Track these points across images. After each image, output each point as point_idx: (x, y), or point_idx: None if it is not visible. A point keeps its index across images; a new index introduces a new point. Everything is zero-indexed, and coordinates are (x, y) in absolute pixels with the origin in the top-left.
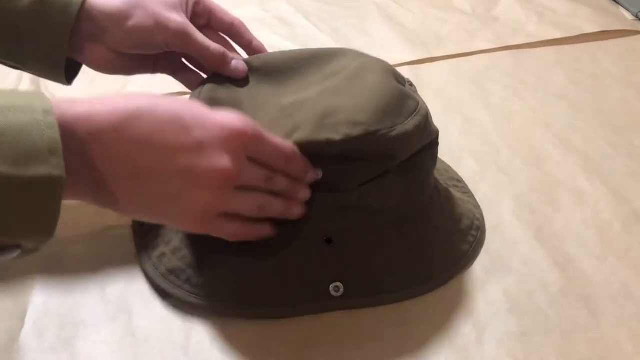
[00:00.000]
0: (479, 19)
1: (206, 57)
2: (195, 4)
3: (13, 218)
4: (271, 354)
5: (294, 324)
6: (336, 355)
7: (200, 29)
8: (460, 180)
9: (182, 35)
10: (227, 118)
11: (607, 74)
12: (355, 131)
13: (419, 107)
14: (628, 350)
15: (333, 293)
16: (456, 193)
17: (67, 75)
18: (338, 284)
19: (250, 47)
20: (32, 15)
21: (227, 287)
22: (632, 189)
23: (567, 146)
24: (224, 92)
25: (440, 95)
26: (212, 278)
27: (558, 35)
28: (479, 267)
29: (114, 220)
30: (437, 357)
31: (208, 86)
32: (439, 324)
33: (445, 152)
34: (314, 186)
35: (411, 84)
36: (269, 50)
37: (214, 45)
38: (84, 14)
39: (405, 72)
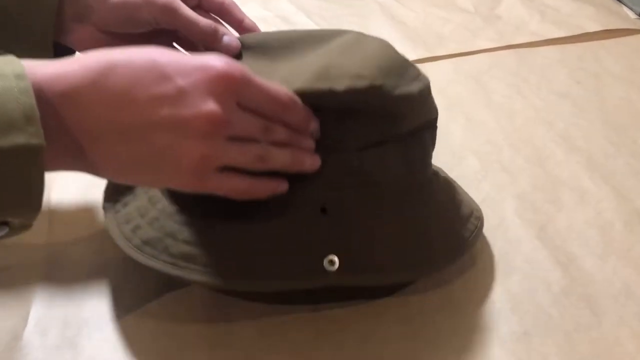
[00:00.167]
0: (482, 17)
1: (196, 33)
2: None
3: None
4: (270, 354)
5: (292, 324)
6: (337, 354)
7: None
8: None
9: (169, 9)
10: (209, 60)
11: (610, 73)
12: (360, 83)
13: (422, 75)
14: (630, 349)
15: (327, 267)
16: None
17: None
18: (333, 257)
19: (242, 25)
20: (15, 0)
21: (209, 256)
22: (634, 188)
23: (569, 145)
24: None
25: (442, 94)
26: (193, 247)
27: (561, 34)
28: (481, 266)
29: None
30: (438, 356)
31: None
32: (440, 324)
33: (448, 151)
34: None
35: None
36: None
37: (204, 21)
38: None
39: None
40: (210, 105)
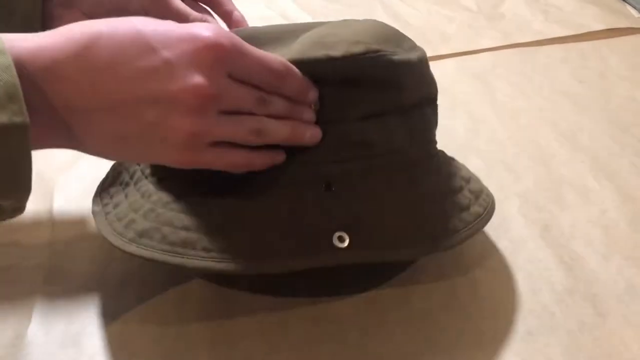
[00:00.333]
0: (485, 16)
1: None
2: None
3: None
4: (274, 350)
5: (293, 322)
6: (339, 352)
7: None
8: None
9: (160, 0)
10: (197, 30)
11: (613, 72)
12: (357, 49)
13: (418, 46)
14: (634, 349)
15: (337, 244)
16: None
17: None
18: (342, 233)
19: (231, 17)
20: None
21: (210, 241)
22: (638, 187)
23: (573, 144)
24: None
25: (446, 93)
26: (193, 232)
27: (564, 33)
28: (485, 266)
29: None
30: (442, 356)
31: None
32: (443, 323)
33: (451, 150)
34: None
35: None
36: None
37: (194, 13)
38: None
39: None
40: (197, 79)
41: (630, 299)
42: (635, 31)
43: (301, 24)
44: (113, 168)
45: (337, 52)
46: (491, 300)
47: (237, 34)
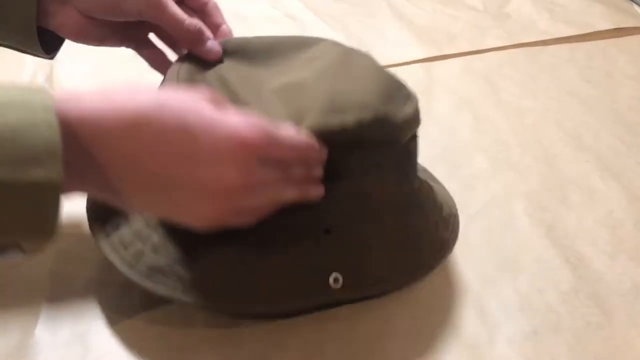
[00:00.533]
0: (491, 16)
1: (181, 31)
2: None
3: (11, 221)
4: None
5: (300, 322)
6: (345, 352)
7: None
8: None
9: (156, 4)
10: (236, 125)
11: (620, 71)
12: (367, 115)
13: (411, 92)
14: (639, 348)
15: (332, 285)
16: (432, 183)
17: (49, 47)
18: (337, 274)
19: (218, 30)
20: None
21: (221, 282)
22: None
23: (579, 144)
24: (203, 74)
25: (451, 92)
26: (204, 273)
27: (570, 32)
28: (490, 265)
29: None
30: (447, 356)
31: (185, 67)
32: (449, 323)
33: (456, 150)
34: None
35: None
36: None
37: (189, 20)
38: None
39: (416, 69)
40: (232, 173)
41: (635, 299)
42: None
43: (290, 38)
44: None
45: (349, 120)
46: (496, 299)
47: (227, 44)
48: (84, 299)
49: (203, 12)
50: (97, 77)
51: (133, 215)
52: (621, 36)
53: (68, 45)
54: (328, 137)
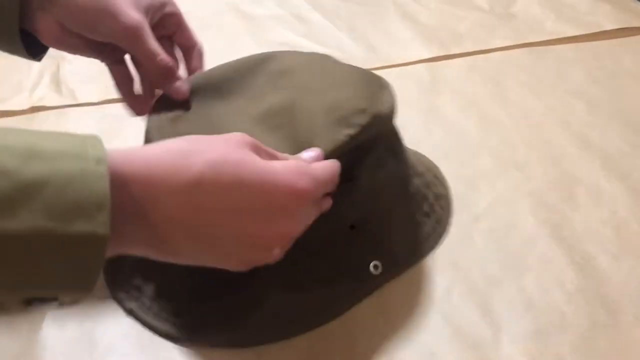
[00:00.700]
0: (497, 16)
1: (152, 65)
2: (168, 16)
3: (52, 273)
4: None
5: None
6: (349, 350)
7: (159, 38)
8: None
9: (133, 32)
10: (286, 176)
11: (627, 71)
12: (366, 119)
13: (381, 78)
14: None
15: (374, 272)
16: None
17: (35, 50)
18: (375, 262)
19: (192, 52)
20: None
21: (262, 309)
22: None
23: (585, 144)
24: (184, 112)
25: (457, 92)
26: (243, 309)
27: (577, 32)
28: (495, 265)
29: None
30: (453, 356)
31: (166, 106)
32: (454, 322)
33: (462, 150)
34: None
35: None
36: (286, 47)
37: (164, 55)
38: None
39: (422, 69)
40: (286, 227)
41: None
42: None
43: (243, 59)
44: None
45: (353, 130)
46: (501, 299)
47: (198, 79)
48: (91, 296)
49: (187, 53)
50: (103, 77)
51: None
52: (628, 36)
53: None
54: (339, 151)
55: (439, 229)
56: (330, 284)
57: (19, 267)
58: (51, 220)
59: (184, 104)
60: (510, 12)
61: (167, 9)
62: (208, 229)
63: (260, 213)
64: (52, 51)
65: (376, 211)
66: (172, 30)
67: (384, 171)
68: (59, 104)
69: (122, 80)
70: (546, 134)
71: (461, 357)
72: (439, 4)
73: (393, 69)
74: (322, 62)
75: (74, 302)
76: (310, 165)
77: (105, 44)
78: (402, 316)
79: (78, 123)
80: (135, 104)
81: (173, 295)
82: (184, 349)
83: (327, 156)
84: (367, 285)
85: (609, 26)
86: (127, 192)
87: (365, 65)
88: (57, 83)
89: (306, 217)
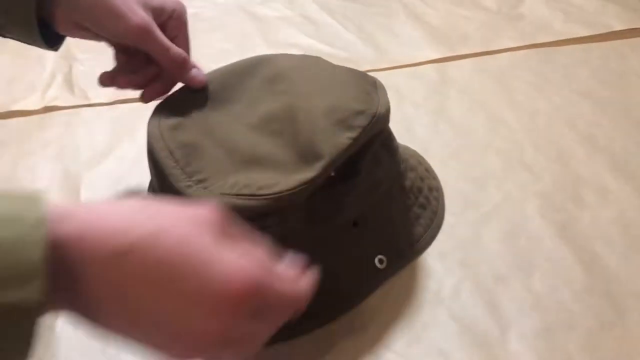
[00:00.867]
0: (504, 16)
1: (167, 59)
2: (173, 20)
3: None
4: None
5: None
6: (356, 348)
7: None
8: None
9: (143, 32)
10: (231, 273)
11: (634, 72)
12: (365, 121)
13: (373, 77)
14: None
15: (379, 266)
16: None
17: (52, 40)
18: (380, 256)
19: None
20: None
21: None
22: None
23: (592, 145)
24: (183, 120)
25: (465, 93)
26: None
27: (585, 33)
28: (503, 264)
29: None
30: (461, 353)
31: (165, 114)
32: (462, 320)
33: (470, 150)
34: (338, 179)
35: None
36: (294, 48)
37: (175, 49)
38: None
39: (429, 70)
40: (212, 326)
41: None
42: None
43: (233, 64)
44: None
45: (354, 133)
46: (509, 297)
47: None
48: None
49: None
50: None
51: None
52: (636, 37)
53: (86, 46)
54: (343, 155)
55: (435, 220)
56: (337, 280)
57: None
58: None
59: (183, 111)
60: (517, 12)
61: (175, 15)
62: (133, 302)
63: (186, 301)
64: (64, 52)
65: (376, 207)
66: (173, 35)
67: (380, 167)
68: (72, 104)
69: (124, 69)
70: (554, 134)
71: (469, 355)
72: (447, 4)
73: (401, 69)
74: (315, 64)
75: None
76: (272, 273)
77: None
78: (410, 314)
79: (90, 123)
80: (135, 89)
81: None
82: None
83: (332, 160)
84: (374, 280)
85: (617, 27)
86: (62, 255)
87: (373, 66)
88: (69, 83)
89: (237, 327)
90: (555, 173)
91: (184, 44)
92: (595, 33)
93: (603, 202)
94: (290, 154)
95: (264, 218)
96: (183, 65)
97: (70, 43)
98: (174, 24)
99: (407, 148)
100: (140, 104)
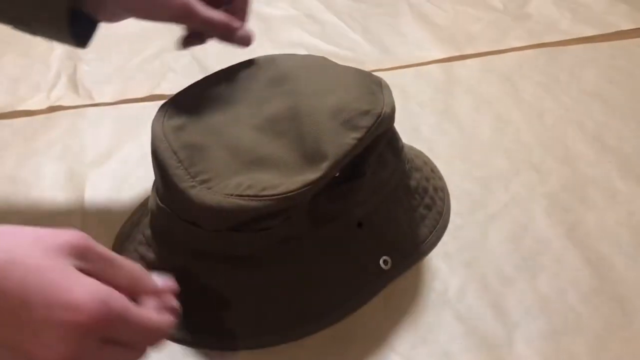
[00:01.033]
0: (511, 16)
1: (212, 31)
2: None
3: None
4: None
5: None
6: (362, 349)
7: None
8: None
9: (182, 12)
10: (81, 301)
11: None
12: (371, 121)
13: (377, 77)
14: None
15: (384, 267)
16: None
17: (81, 38)
18: (385, 257)
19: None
20: None
21: (281, 312)
22: None
23: (601, 145)
24: (188, 120)
25: (471, 93)
26: (256, 310)
27: (592, 32)
28: (509, 265)
29: None
30: (466, 355)
31: (169, 115)
32: (468, 322)
33: (476, 150)
34: (342, 179)
35: None
36: (299, 48)
37: (217, 17)
38: None
39: (436, 69)
40: (59, 349)
41: None
42: None
43: (247, 63)
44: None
45: (360, 134)
46: (516, 299)
47: (194, 90)
48: None
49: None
50: (119, 78)
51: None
52: None
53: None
54: (349, 156)
55: (441, 221)
56: (342, 281)
57: None
58: None
59: (187, 112)
60: (525, 12)
61: None
62: None
63: (34, 328)
64: (69, 52)
65: (381, 207)
66: None
67: (386, 168)
68: (76, 104)
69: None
70: (561, 135)
71: (474, 357)
72: (453, 4)
73: (407, 69)
74: (319, 65)
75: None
76: (126, 302)
77: None
78: (415, 315)
79: (95, 123)
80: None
81: (184, 301)
82: (197, 350)
83: (337, 161)
84: (379, 281)
85: (625, 26)
86: None
87: (379, 65)
88: (74, 83)
89: (91, 355)
90: (563, 173)
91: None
92: (603, 32)
93: (611, 203)
94: (295, 155)
95: (268, 219)
96: (229, 29)
97: None
98: None
99: (412, 148)
100: (145, 104)
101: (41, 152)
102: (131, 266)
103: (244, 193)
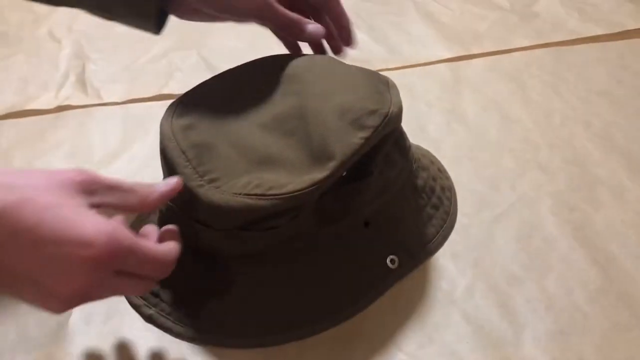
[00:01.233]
0: (518, 15)
1: (284, 27)
2: None
3: None
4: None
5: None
6: (368, 349)
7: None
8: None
9: (260, 13)
10: (90, 234)
11: None
12: (378, 120)
13: (383, 76)
14: None
15: (391, 266)
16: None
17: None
18: (392, 256)
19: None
20: None
21: (288, 311)
22: None
23: (608, 145)
24: (196, 120)
25: (478, 92)
26: (264, 308)
27: (600, 31)
28: (517, 265)
29: None
30: (473, 355)
31: (178, 113)
32: (475, 321)
33: (483, 149)
34: (349, 178)
35: None
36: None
37: (288, 17)
38: None
39: (443, 69)
40: (75, 284)
41: None
42: None
43: (255, 62)
44: None
45: (367, 133)
46: (523, 299)
47: (203, 89)
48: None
49: (325, 9)
50: (127, 77)
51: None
52: None
53: (99, 45)
54: (355, 154)
55: (448, 220)
56: (349, 280)
57: None
58: None
59: (195, 111)
60: (532, 11)
61: None
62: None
63: (51, 263)
64: (77, 51)
65: (388, 207)
66: (319, 4)
67: (393, 167)
68: (85, 103)
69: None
70: (569, 134)
71: (482, 357)
72: (460, 3)
73: (414, 68)
74: (327, 64)
75: None
76: (133, 235)
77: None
78: (422, 315)
79: (103, 122)
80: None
81: (192, 299)
82: (205, 348)
83: (344, 161)
84: (386, 280)
85: (632, 25)
86: None
87: (386, 65)
88: (82, 83)
89: (102, 280)
90: (571, 173)
91: (337, 11)
92: (611, 32)
93: (619, 203)
94: (303, 154)
95: (276, 218)
96: (299, 26)
97: (84, 43)
98: None
99: (419, 147)
100: (152, 103)
101: (49, 151)
102: (138, 186)
103: (252, 192)
